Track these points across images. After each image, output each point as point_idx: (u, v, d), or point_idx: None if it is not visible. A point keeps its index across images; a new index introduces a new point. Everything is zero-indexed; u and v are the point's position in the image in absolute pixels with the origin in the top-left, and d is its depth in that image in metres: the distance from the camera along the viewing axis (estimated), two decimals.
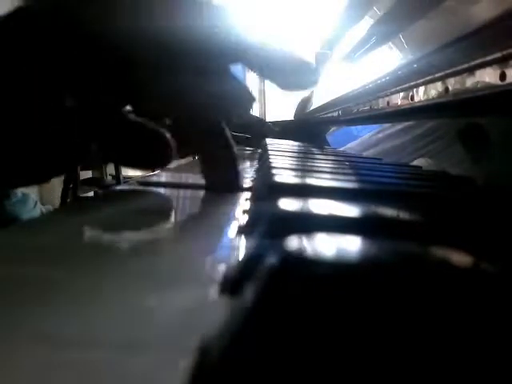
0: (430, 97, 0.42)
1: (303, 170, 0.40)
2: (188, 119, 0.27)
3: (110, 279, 0.13)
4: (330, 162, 0.52)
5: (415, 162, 0.51)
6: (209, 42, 0.25)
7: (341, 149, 0.92)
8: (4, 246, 0.16)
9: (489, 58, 0.30)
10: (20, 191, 0.76)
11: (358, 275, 0.09)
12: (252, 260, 0.13)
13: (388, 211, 0.19)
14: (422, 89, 0.44)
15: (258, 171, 0.43)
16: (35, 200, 0.82)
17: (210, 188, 0.29)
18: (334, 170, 0.41)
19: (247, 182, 0.32)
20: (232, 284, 0.12)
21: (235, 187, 0.29)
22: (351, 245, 0.11)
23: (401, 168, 0.49)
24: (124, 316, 0.11)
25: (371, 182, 0.33)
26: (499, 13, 0.27)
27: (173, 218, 0.24)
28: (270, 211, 0.16)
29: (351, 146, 0.89)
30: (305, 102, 1.39)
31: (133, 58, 0.24)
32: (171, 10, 0.24)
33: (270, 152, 0.56)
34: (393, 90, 0.52)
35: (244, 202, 0.26)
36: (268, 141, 0.88)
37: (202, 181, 0.30)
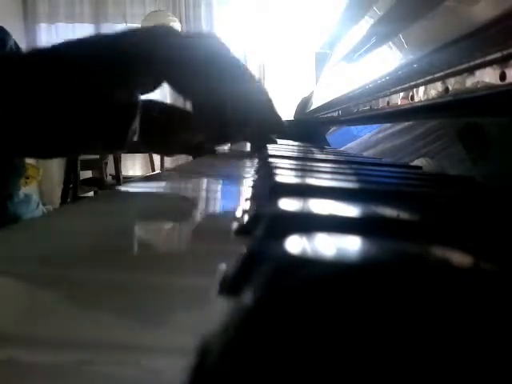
0: (430, 97, 0.42)
1: (303, 170, 0.40)
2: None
3: (110, 279, 0.13)
4: (329, 162, 0.52)
5: (415, 162, 0.51)
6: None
7: (341, 149, 0.92)
8: (5, 246, 0.16)
9: (489, 57, 0.30)
10: (22, 192, 0.76)
11: (358, 275, 0.09)
12: (252, 260, 0.13)
13: (388, 211, 0.19)
14: (422, 89, 0.44)
15: (258, 171, 0.43)
16: (37, 201, 0.82)
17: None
18: (334, 170, 0.41)
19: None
20: (232, 284, 0.12)
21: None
22: (351, 245, 0.11)
23: (401, 168, 0.49)
24: (123, 316, 0.11)
25: (371, 182, 0.33)
26: (499, 13, 0.27)
27: (172, 218, 0.24)
28: (270, 211, 0.16)
29: (351, 146, 0.89)
30: (305, 102, 1.39)
31: None
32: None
33: (270, 152, 0.56)
34: (393, 90, 0.52)
35: (244, 201, 0.26)
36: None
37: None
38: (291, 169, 0.38)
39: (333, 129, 1.14)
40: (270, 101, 0.37)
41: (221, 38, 0.36)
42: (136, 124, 0.33)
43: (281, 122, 0.38)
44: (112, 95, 0.32)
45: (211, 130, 0.37)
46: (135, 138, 0.34)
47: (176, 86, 0.34)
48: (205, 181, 0.38)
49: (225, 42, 0.36)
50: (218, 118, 0.35)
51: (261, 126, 0.40)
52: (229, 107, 0.35)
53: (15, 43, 0.74)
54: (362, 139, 0.84)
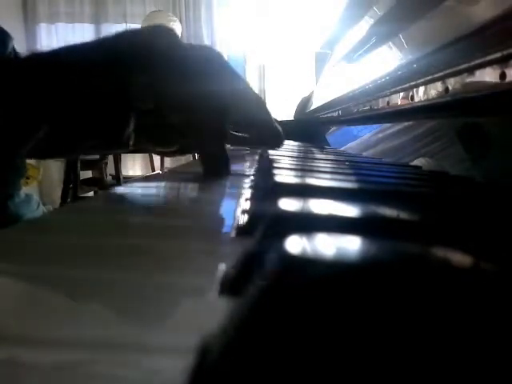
0: (430, 97, 0.42)
1: (303, 169, 0.40)
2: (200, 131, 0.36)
3: (110, 279, 0.13)
4: (330, 162, 0.52)
5: (415, 162, 0.51)
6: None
7: (341, 149, 0.92)
8: (5, 245, 0.16)
9: (489, 57, 0.30)
10: (23, 192, 0.76)
11: (358, 275, 0.09)
12: (252, 260, 0.13)
13: (388, 211, 0.19)
14: (422, 89, 0.44)
15: (258, 171, 0.43)
16: (38, 201, 0.82)
17: (206, 175, 0.39)
18: (334, 170, 0.41)
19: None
20: (232, 284, 0.12)
21: (225, 174, 0.39)
22: (351, 245, 0.11)
23: (401, 168, 0.49)
24: (123, 316, 0.11)
25: (371, 182, 0.33)
26: (499, 13, 0.27)
27: (172, 218, 0.24)
28: (270, 211, 0.16)
29: (351, 146, 0.89)
30: (305, 102, 1.39)
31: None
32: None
33: (270, 152, 0.56)
34: (393, 90, 0.52)
35: (244, 201, 0.26)
36: None
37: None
38: (291, 169, 0.38)
39: (333, 129, 1.14)
40: (268, 113, 0.38)
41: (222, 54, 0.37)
42: (132, 126, 0.34)
43: (279, 136, 0.38)
44: (109, 96, 0.32)
45: (206, 143, 0.37)
46: (131, 141, 0.35)
47: (171, 91, 0.33)
48: (205, 180, 0.38)
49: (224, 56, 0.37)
50: (213, 128, 0.36)
51: (259, 139, 0.40)
52: (225, 118, 0.36)
53: (13, 47, 0.74)
54: (361, 139, 0.84)
